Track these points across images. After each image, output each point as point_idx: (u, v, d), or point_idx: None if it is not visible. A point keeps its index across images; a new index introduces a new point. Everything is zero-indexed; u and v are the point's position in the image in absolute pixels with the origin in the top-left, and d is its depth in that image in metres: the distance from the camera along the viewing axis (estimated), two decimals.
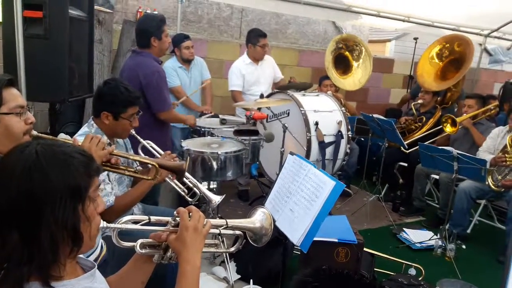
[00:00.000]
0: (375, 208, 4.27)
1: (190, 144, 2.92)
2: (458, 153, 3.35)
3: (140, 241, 1.22)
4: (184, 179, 2.21)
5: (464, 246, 3.67)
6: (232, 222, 1.34)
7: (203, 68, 4.35)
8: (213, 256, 3.02)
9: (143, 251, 1.22)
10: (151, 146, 2.30)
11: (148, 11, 4.85)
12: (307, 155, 3.62)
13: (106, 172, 2.04)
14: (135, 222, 1.22)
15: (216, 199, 2.18)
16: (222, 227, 1.32)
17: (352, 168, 4.76)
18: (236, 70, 4.30)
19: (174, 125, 4.01)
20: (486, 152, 3.89)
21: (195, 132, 3.50)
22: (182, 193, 2.21)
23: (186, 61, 4.15)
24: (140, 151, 2.33)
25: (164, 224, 1.24)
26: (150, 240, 1.23)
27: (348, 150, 3.93)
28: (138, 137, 2.26)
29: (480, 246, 3.74)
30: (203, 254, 1.24)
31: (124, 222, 1.19)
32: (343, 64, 5.18)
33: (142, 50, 3.04)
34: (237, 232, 1.36)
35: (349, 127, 3.94)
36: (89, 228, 0.99)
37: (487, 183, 3.59)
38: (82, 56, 3.11)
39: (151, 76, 2.89)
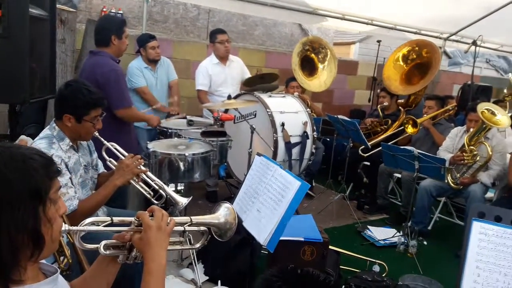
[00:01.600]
0: (340, 207, 4.37)
1: (157, 146, 2.89)
2: (418, 153, 3.48)
3: (103, 242, 1.21)
4: (150, 181, 2.20)
5: (425, 242, 3.79)
6: (196, 218, 1.35)
7: (169, 69, 4.32)
8: (180, 258, 3.00)
9: (107, 252, 1.22)
10: (115, 148, 2.27)
11: (113, 11, 4.75)
12: (274, 156, 3.67)
13: (68, 176, 2.00)
14: (98, 224, 1.22)
15: (183, 201, 2.17)
16: (187, 224, 1.33)
17: (317, 167, 4.83)
18: (203, 70, 4.29)
19: (139, 126, 3.97)
20: (446, 151, 4.05)
21: (161, 133, 3.46)
22: (148, 195, 2.20)
23: (152, 62, 4.11)
24: (104, 153, 2.29)
25: (128, 224, 1.24)
26: (114, 241, 1.23)
27: (313, 150, 4.01)
28: (102, 139, 2.22)
29: (440, 242, 3.88)
30: (170, 256, 1.25)
31: (87, 224, 1.19)
32: (309, 66, 5.26)
33: (100, 50, 3.03)
34: (202, 228, 1.37)
35: (315, 127, 4.02)
36: (50, 230, 0.98)
37: (446, 181, 3.75)
38: (44, 56, 3.02)
39: (108, 74, 2.89)
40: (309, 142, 3.93)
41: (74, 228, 1.16)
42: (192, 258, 2.83)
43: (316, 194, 4.72)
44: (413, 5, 5.61)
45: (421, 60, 5.04)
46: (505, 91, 6.53)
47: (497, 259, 1.57)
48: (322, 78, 5.30)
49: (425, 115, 4.50)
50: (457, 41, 6.80)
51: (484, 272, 1.57)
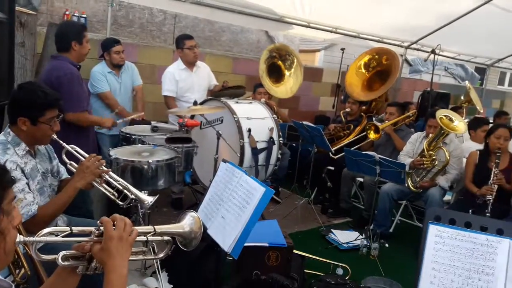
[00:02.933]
0: (305, 211, 4.42)
1: (119, 153, 2.83)
2: (380, 158, 3.58)
3: (62, 253, 1.19)
4: (113, 181, 2.15)
5: (387, 245, 3.89)
6: (160, 228, 1.34)
7: (134, 74, 4.26)
8: (143, 267, 2.95)
9: (66, 263, 1.19)
10: (75, 150, 2.21)
11: (76, 14, 4.65)
12: (241, 161, 3.68)
13: (25, 181, 1.94)
14: (57, 234, 1.19)
15: (149, 199, 2.14)
16: (150, 234, 1.31)
17: (283, 172, 4.89)
18: (169, 75, 4.26)
19: (102, 132, 3.89)
20: (406, 156, 4.19)
21: (125, 140, 3.40)
22: (112, 197, 2.15)
23: (116, 66, 4.05)
24: (64, 157, 2.23)
25: (88, 234, 1.21)
26: (73, 251, 1.20)
27: (279, 156, 4.05)
28: (61, 142, 2.16)
29: (402, 244, 3.99)
30: (132, 265, 1.23)
31: (44, 235, 1.15)
32: (276, 73, 5.33)
33: (59, 55, 3.01)
34: (166, 238, 1.36)
35: (281, 133, 4.06)
36: (3, 243, 0.95)
37: (406, 184, 3.88)
38: (2, 60, 2.93)
39: (63, 77, 2.87)
40: (275, 147, 3.96)
41: (30, 239, 1.12)
42: (156, 266, 2.79)
43: (282, 199, 4.77)
44: (375, 14, 5.81)
45: (381, 68, 5.25)
46: (462, 98, 6.81)
47: (451, 260, 1.63)
48: (288, 85, 5.38)
49: (386, 121, 4.65)
50: (417, 49, 7.07)
51: (440, 273, 1.63)
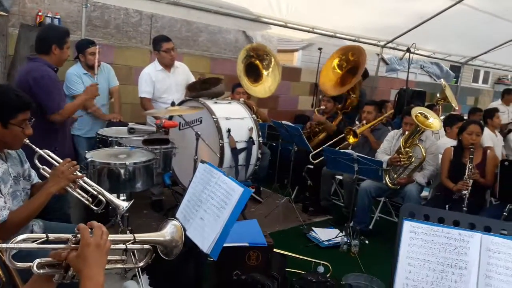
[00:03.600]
0: (286, 210, 4.45)
1: (96, 155, 2.79)
2: (357, 156, 3.63)
3: (37, 260, 1.16)
4: (88, 187, 2.13)
5: (367, 241, 3.94)
6: (140, 236, 1.32)
7: (110, 75, 4.20)
8: (124, 270, 2.92)
9: (41, 271, 1.16)
10: (48, 155, 2.17)
11: (49, 15, 4.54)
12: (221, 162, 3.67)
13: None
14: (32, 240, 1.16)
15: (123, 205, 2.12)
16: (129, 242, 1.29)
17: (264, 172, 4.90)
18: (146, 77, 4.21)
19: (78, 135, 3.84)
20: (383, 153, 4.26)
21: (101, 142, 3.35)
22: (86, 202, 2.12)
23: (92, 68, 3.97)
24: (36, 162, 2.18)
25: (65, 241, 1.19)
26: (49, 259, 1.18)
27: (259, 156, 4.06)
28: (33, 146, 2.11)
29: (381, 240, 4.05)
30: (113, 269, 1.21)
31: (19, 242, 1.13)
32: (254, 73, 5.33)
33: (37, 56, 2.96)
34: (146, 246, 1.34)
35: (260, 133, 4.07)
36: None
37: (384, 181, 3.95)
38: None
39: (40, 80, 2.83)
40: (255, 147, 3.97)
41: (4, 245, 1.10)
42: (136, 270, 2.76)
43: (263, 198, 4.79)
44: (352, 14, 5.88)
45: (351, 65, 5.36)
46: (438, 95, 6.95)
47: (426, 256, 1.66)
48: (266, 85, 5.39)
49: (364, 120, 4.72)
50: (393, 48, 7.19)
51: (415, 268, 1.66)
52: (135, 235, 1.30)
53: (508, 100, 8.02)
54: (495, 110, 5.25)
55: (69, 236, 1.18)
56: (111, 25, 5.84)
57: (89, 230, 1.18)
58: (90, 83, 3.94)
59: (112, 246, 1.23)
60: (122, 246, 1.28)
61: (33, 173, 2.28)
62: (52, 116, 2.89)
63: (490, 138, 4.77)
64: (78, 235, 1.17)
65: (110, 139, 3.32)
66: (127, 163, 2.71)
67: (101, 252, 1.17)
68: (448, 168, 3.89)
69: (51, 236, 1.18)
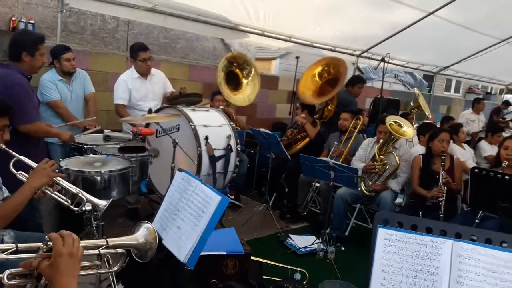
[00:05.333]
0: (264, 217, 4.45)
1: (70, 163, 2.75)
2: (333, 163, 3.68)
3: (7, 271, 1.13)
4: (67, 186, 2.11)
5: (343, 248, 3.98)
6: (113, 241, 1.31)
7: (86, 81, 4.14)
8: (98, 280, 2.86)
9: (12, 282, 1.13)
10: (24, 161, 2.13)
11: (23, 20, 4.45)
12: (198, 170, 3.65)
13: None
14: (2, 251, 1.13)
15: (102, 203, 2.11)
16: (102, 247, 1.28)
17: (242, 179, 4.91)
18: (122, 83, 4.17)
19: (52, 142, 3.75)
20: (359, 161, 4.34)
21: (76, 149, 3.30)
22: (66, 203, 2.09)
23: (67, 74, 3.92)
24: (11, 168, 2.13)
25: (36, 250, 1.17)
26: (20, 269, 1.15)
27: (237, 163, 4.06)
28: (10, 151, 2.07)
29: (357, 247, 4.09)
30: (88, 278, 1.20)
31: None
32: (234, 81, 5.35)
33: (9, 63, 2.89)
34: (120, 250, 1.34)
35: (238, 140, 4.08)
36: None
37: (360, 188, 4.01)
38: None
39: (11, 89, 2.75)
40: (233, 155, 3.97)
41: None
42: (111, 279, 2.71)
43: (239, 207, 4.78)
44: (328, 24, 5.99)
45: (331, 76, 5.47)
46: (411, 104, 7.13)
47: (399, 262, 1.69)
48: (246, 93, 5.42)
49: (341, 127, 4.81)
50: (368, 57, 7.34)
51: (389, 275, 1.68)
52: (108, 239, 1.30)
53: (478, 109, 8.30)
54: (459, 125, 5.44)
55: (40, 244, 1.16)
56: (87, 31, 5.77)
57: (60, 239, 1.16)
58: (65, 89, 3.91)
59: (85, 252, 1.22)
60: (95, 251, 1.27)
61: (4, 188, 2.22)
62: (21, 127, 2.77)
63: (460, 153, 4.91)
64: (50, 243, 1.15)
65: (85, 146, 3.26)
66: (103, 171, 2.67)
67: (74, 260, 1.15)
68: (419, 176, 3.98)
69: (21, 245, 1.16)
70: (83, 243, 1.22)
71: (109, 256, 1.33)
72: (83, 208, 2.13)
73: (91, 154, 3.14)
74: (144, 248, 1.38)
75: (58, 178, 2.12)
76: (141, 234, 1.39)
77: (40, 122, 2.99)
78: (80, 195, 2.10)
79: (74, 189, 2.10)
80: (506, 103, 10.69)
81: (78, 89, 4.03)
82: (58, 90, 3.84)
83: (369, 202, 4.36)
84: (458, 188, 3.95)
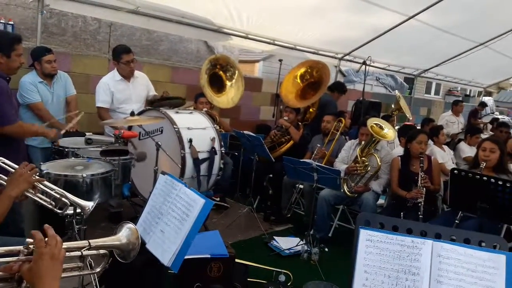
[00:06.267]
0: (248, 220, 4.45)
1: (51, 167, 2.71)
2: (317, 165, 3.71)
3: None
4: (49, 190, 2.06)
5: (326, 249, 4.01)
6: (95, 242, 1.30)
7: (67, 83, 4.09)
8: (81, 285, 2.82)
9: None
10: (3, 162, 2.08)
11: (2, 21, 4.37)
12: (182, 173, 3.64)
13: None
14: None
15: (88, 205, 2.07)
16: (85, 249, 1.27)
17: (227, 182, 4.91)
18: (104, 86, 4.12)
19: (33, 145, 3.70)
20: (341, 162, 4.39)
21: (57, 153, 3.25)
22: (49, 206, 2.05)
23: (48, 76, 3.87)
24: None
25: (16, 253, 1.15)
26: (0, 273, 1.14)
27: (222, 166, 4.06)
28: None
29: (340, 248, 4.12)
30: (70, 282, 1.19)
31: None
32: (217, 83, 5.35)
33: None
34: (102, 251, 1.33)
35: (222, 143, 4.08)
36: None
37: (342, 190, 4.05)
38: None
39: None
40: (217, 157, 3.96)
41: None
42: (94, 284, 2.68)
43: (226, 208, 4.78)
44: (310, 27, 6.05)
45: (313, 79, 5.53)
46: (393, 106, 7.24)
47: (381, 263, 1.72)
48: (230, 95, 5.43)
49: (324, 130, 4.86)
50: (350, 60, 7.43)
51: (371, 275, 1.71)
52: (90, 241, 1.29)
53: (457, 111, 8.49)
54: (440, 127, 5.56)
55: (21, 247, 1.15)
56: (68, 33, 5.70)
57: (44, 240, 1.15)
58: (46, 91, 3.85)
59: (67, 254, 1.21)
60: (78, 253, 1.26)
61: None
62: (5, 129, 2.72)
63: (440, 155, 5.02)
64: (30, 246, 1.14)
65: (66, 149, 3.22)
66: (84, 175, 2.64)
67: (56, 263, 1.14)
68: (398, 177, 4.05)
69: (1, 249, 1.15)
70: (65, 245, 1.21)
71: (90, 258, 1.32)
72: (67, 211, 2.09)
73: (73, 158, 3.10)
74: (127, 248, 1.38)
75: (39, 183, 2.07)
76: (123, 235, 1.39)
77: (22, 122, 2.93)
78: (64, 199, 2.05)
79: (57, 191, 2.05)
80: (482, 105, 10.97)
81: (60, 91, 3.98)
82: (38, 92, 3.79)
83: (351, 203, 4.41)
84: (437, 189, 4.03)
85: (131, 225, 1.40)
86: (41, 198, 2.04)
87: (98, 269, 1.35)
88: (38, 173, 2.08)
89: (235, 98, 5.42)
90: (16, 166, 2.07)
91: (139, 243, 1.39)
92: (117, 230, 1.40)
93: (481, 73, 9.72)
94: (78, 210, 2.83)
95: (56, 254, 1.14)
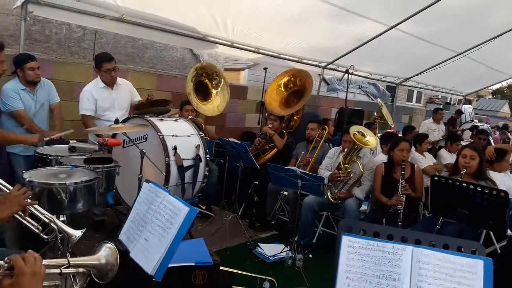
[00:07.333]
0: (233, 227, 4.46)
1: (34, 175, 2.67)
2: (301, 172, 3.76)
3: None
4: (39, 214, 2.03)
5: (310, 255, 4.04)
6: (75, 260, 1.30)
7: (51, 91, 4.06)
8: None
9: None
10: None
11: None
12: (167, 180, 3.62)
13: None
14: None
15: (76, 234, 2.04)
16: (64, 267, 1.28)
17: (212, 189, 4.91)
18: (87, 94, 4.10)
19: (15, 153, 3.65)
20: (325, 169, 4.44)
21: (40, 161, 3.21)
22: (36, 230, 2.02)
23: (31, 83, 3.83)
24: None
25: None
26: None
27: (206, 173, 4.06)
28: None
29: (324, 254, 4.11)
30: None
31: None
32: (203, 91, 5.37)
33: None
34: (80, 270, 1.33)
35: (207, 150, 4.09)
36: None
37: (326, 196, 4.10)
38: None
39: None
40: (202, 165, 3.96)
41: None
42: None
43: (211, 216, 4.77)
44: (295, 36, 6.13)
45: (297, 88, 5.62)
46: (375, 114, 7.36)
47: (363, 269, 1.74)
48: (215, 103, 5.45)
49: (309, 137, 4.90)
50: (333, 69, 7.54)
51: (353, 281, 1.73)
52: (70, 259, 1.29)
53: (438, 118, 8.67)
54: (425, 136, 5.67)
55: (1, 262, 1.15)
56: (52, 40, 5.65)
57: (21, 259, 1.15)
58: (29, 99, 3.81)
59: (47, 271, 1.21)
60: (57, 270, 1.26)
61: None
62: None
63: (421, 162, 5.13)
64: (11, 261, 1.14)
65: (49, 157, 3.19)
66: (68, 183, 2.61)
67: (37, 279, 1.15)
68: (381, 184, 4.12)
69: None
70: (45, 262, 1.22)
71: (71, 275, 1.32)
72: (54, 237, 2.06)
73: (56, 166, 3.06)
74: (105, 268, 1.38)
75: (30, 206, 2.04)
76: (102, 255, 1.39)
77: (1, 130, 2.90)
78: (52, 225, 2.02)
79: (47, 216, 2.03)
80: (458, 113, 11.23)
81: (43, 99, 3.95)
82: (21, 99, 3.74)
83: (335, 210, 4.45)
84: (418, 196, 4.10)
85: (110, 245, 1.40)
86: (29, 222, 2.01)
87: None
88: (30, 194, 2.06)
89: (221, 106, 5.45)
90: (10, 187, 2.05)
91: (118, 263, 1.39)
92: (96, 249, 1.40)
93: (461, 81, 9.96)
94: (62, 219, 2.82)
95: (36, 271, 1.15)
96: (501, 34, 6.74)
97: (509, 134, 12.21)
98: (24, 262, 1.15)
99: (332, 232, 4.74)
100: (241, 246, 4.20)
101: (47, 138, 3.39)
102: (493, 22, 6.47)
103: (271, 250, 4.00)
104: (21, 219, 1.98)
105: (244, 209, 5.08)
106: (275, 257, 3.89)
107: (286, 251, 3.91)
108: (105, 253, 1.38)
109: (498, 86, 28.83)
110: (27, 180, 2.60)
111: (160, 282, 2.33)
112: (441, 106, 11.43)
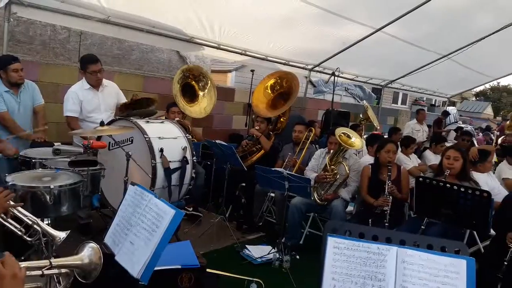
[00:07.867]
0: (220, 229, 4.45)
1: (17, 178, 2.63)
2: (288, 173, 3.77)
3: None
4: (22, 216, 2.01)
5: (298, 257, 4.05)
6: (57, 261, 1.29)
7: (34, 93, 4.02)
8: None
9: None
10: None
11: None
12: (153, 183, 3.60)
13: None
14: None
15: (60, 235, 2.02)
16: (45, 268, 1.26)
17: (199, 191, 4.89)
18: (72, 95, 4.06)
19: None
20: (311, 171, 4.46)
21: (24, 163, 3.17)
22: (19, 233, 2.00)
23: (15, 85, 3.79)
24: None
25: None
26: None
27: (193, 175, 4.04)
28: None
29: (311, 255, 4.12)
30: None
31: None
32: (190, 93, 5.36)
33: None
34: (63, 270, 1.32)
35: (194, 152, 4.07)
36: None
37: (313, 198, 4.11)
38: None
39: None
40: (188, 167, 3.94)
41: None
42: None
43: (198, 218, 4.76)
44: (281, 39, 6.16)
45: (283, 89, 5.66)
46: (361, 115, 7.41)
47: (348, 270, 1.75)
48: (202, 105, 5.44)
49: (296, 139, 4.93)
50: (320, 71, 7.59)
51: (339, 282, 1.74)
52: (51, 260, 1.29)
53: (420, 119, 8.78)
54: (413, 140, 5.73)
55: None
56: (36, 41, 5.58)
57: (0, 262, 1.14)
58: (12, 101, 3.76)
59: (28, 272, 1.20)
60: (38, 272, 1.25)
61: None
62: None
63: (406, 163, 5.19)
64: None
65: (33, 160, 3.15)
66: (52, 186, 2.58)
67: (17, 282, 1.13)
68: (368, 185, 4.15)
69: None
70: (26, 264, 1.20)
71: (54, 276, 1.31)
72: (38, 240, 2.04)
73: (40, 169, 3.03)
74: (89, 268, 1.37)
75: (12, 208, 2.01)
76: (85, 254, 1.37)
77: None
78: (35, 227, 2.00)
79: (30, 218, 2.01)
80: (445, 114, 11.40)
81: (27, 101, 3.90)
82: (4, 101, 3.70)
83: (321, 211, 4.46)
84: (404, 197, 4.14)
85: (93, 244, 1.39)
86: (11, 224, 1.99)
87: None
88: (13, 196, 2.03)
89: (208, 108, 5.44)
90: None
91: (101, 263, 1.38)
92: (79, 249, 1.39)
93: (445, 83, 10.11)
94: (46, 222, 2.78)
95: (16, 273, 1.13)
96: (485, 37, 6.87)
97: (492, 135, 12.44)
98: (3, 265, 1.13)
99: (319, 233, 4.73)
100: (229, 248, 4.19)
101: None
102: (477, 25, 6.59)
103: (259, 251, 4.00)
104: (3, 221, 1.96)
105: (231, 211, 5.06)
106: (263, 259, 3.89)
107: (273, 252, 3.91)
108: (88, 252, 1.37)
109: (481, 88, 29.41)
110: (9, 183, 2.56)
111: (146, 286, 2.32)
112: (425, 108, 11.58)
